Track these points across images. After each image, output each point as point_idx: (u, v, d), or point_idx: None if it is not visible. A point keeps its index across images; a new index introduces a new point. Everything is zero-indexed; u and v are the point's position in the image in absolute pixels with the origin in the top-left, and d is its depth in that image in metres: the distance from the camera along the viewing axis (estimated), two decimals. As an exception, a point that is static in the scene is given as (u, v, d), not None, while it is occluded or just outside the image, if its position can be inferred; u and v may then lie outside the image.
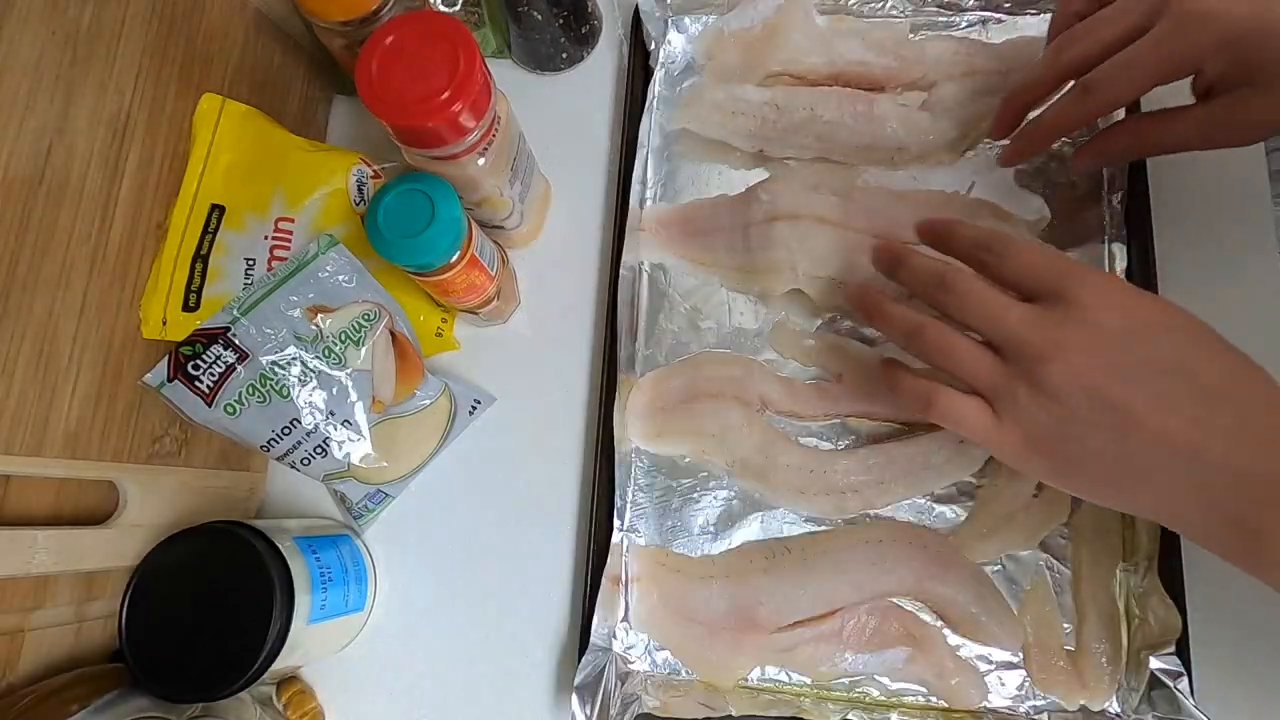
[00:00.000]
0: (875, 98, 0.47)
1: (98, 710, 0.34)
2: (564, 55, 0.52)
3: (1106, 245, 0.45)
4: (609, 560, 0.43)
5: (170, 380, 0.38)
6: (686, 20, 0.52)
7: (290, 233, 0.43)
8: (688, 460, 0.45)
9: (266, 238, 0.43)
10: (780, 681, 0.42)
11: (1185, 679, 0.38)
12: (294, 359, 0.39)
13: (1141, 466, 0.31)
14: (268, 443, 0.40)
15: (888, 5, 0.50)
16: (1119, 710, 0.39)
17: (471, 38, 0.36)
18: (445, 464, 0.48)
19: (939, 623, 0.42)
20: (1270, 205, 0.46)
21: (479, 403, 0.48)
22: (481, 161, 0.40)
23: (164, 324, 0.41)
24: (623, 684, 0.41)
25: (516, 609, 0.45)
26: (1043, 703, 0.40)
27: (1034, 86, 0.40)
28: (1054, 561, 0.42)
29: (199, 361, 0.38)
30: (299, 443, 0.40)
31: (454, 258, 0.40)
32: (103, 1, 0.38)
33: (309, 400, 0.40)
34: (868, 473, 0.43)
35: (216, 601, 0.37)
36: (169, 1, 0.42)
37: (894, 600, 0.42)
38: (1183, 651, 0.38)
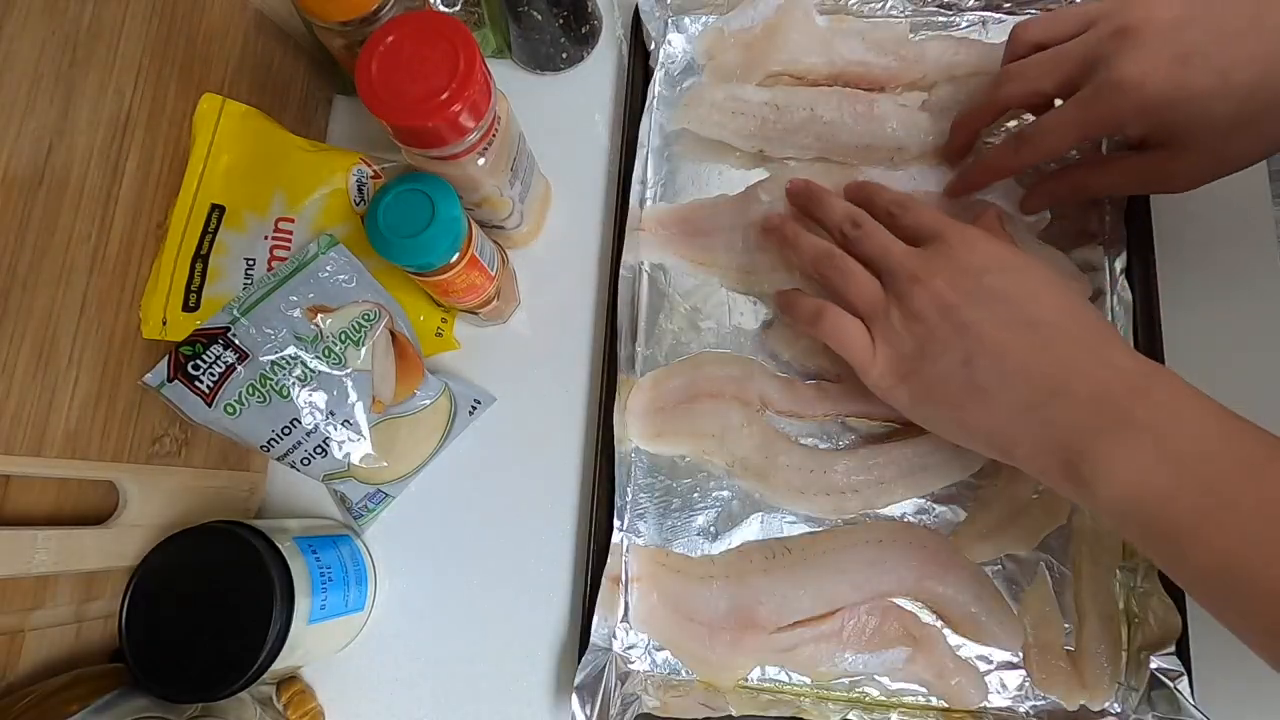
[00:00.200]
0: (875, 98, 0.47)
1: (98, 710, 0.34)
2: (564, 55, 0.52)
3: (1107, 246, 0.45)
4: (609, 560, 0.43)
5: (170, 380, 0.38)
6: (686, 20, 0.52)
7: (290, 233, 0.43)
8: (688, 460, 0.45)
9: (266, 238, 0.43)
10: (780, 681, 0.42)
11: (1185, 679, 0.38)
12: (294, 359, 0.39)
13: (983, 386, 0.35)
14: (268, 443, 0.40)
15: (888, 5, 0.50)
16: (1119, 710, 0.39)
17: (471, 38, 0.36)
18: (445, 464, 0.48)
19: (939, 623, 0.42)
20: (1270, 205, 0.46)
21: (479, 403, 0.48)
22: (481, 161, 0.40)
23: (164, 324, 0.41)
24: (623, 684, 0.41)
25: (516, 608, 0.45)
26: (1043, 703, 0.40)
27: (978, 115, 0.43)
28: (1054, 561, 0.42)
29: (199, 361, 0.38)
30: (299, 443, 0.40)
31: (454, 258, 0.40)
32: (103, 1, 0.38)
33: (309, 400, 0.40)
34: (868, 473, 0.43)
35: (216, 601, 0.37)
36: (169, 1, 0.42)
37: (894, 600, 0.42)
38: (1183, 651, 0.39)
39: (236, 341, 0.39)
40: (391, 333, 0.43)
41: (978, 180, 0.44)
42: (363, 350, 0.41)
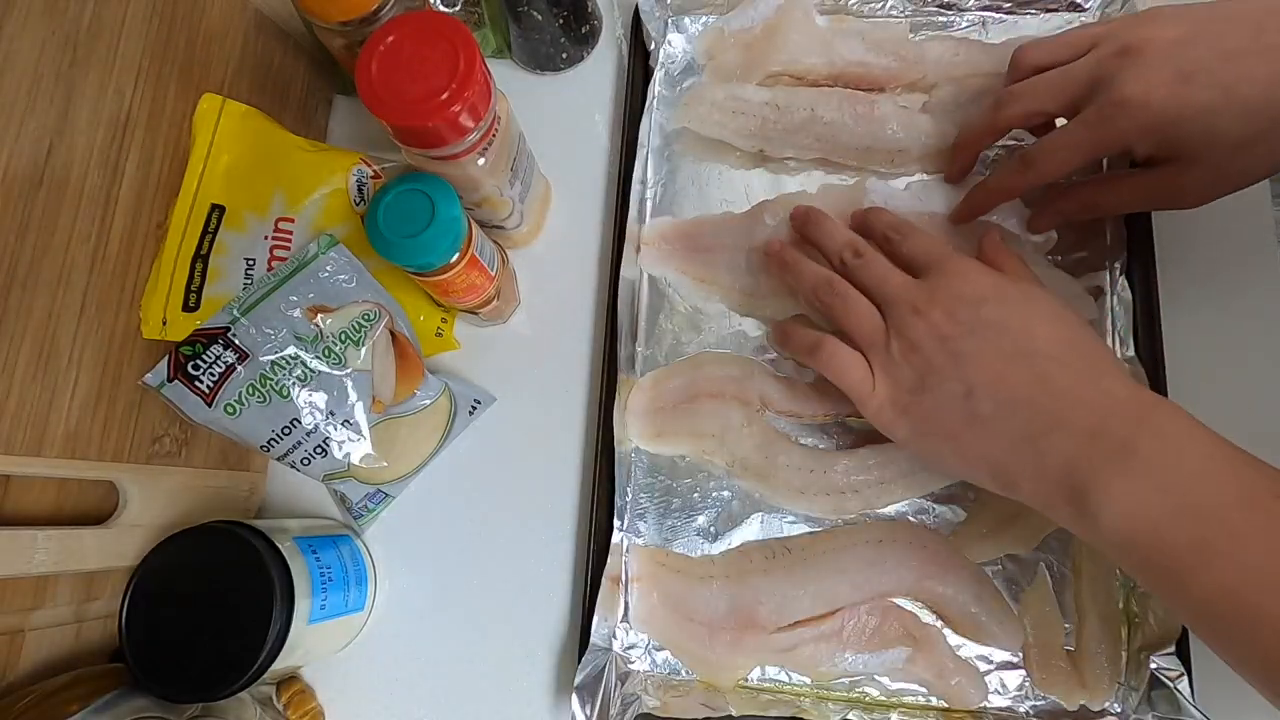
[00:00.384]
0: (876, 99, 0.47)
1: (98, 710, 0.34)
2: (564, 55, 0.52)
3: (1107, 246, 0.45)
4: (609, 560, 0.43)
5: (170, 380, 0.38)
6: (686, 20, 0.52)
7: (290, 233, 0.43)
8: (688, 460, 0.45)
9: (266, 238, 0.43)
10: (780, 681, 0.42)
11: (1185, 679, 0.38)
12: (294, 359, 0.39)
13: (984, 416, 0.35)
14: (268, 443, 0.40)
15: (888, 5, 0.50)
16: (1119, 710, 0.39)
17: (471, 38, 0.36)
18: (445, 464, 0.48)
19: (939, 623, 0.42)
20: (1270, 206, 0.46)
21: (479, 403, 0.48)
22: (481, 161, 0.40)
23: (164, 324, 0.41)
24: (623, 684, 0.41)
25: (516, 609, 0.45)
26: (1043, 703, 0.40)
27: (979, 137, 0.44)
28: (1054, 561, 0.42)
29: (199, 361, 0.38)
30: (299, 443, 0.40)
31: (454, 258, 0.40)
32: (103, 1, 0.38)
33: (309, 400, 0.40)
34: (867, 473, 0.43)
35: (216, 601, 0.37)
36: (169, 1, 0.42)
37: (894, 600, 0.42)
38: (1183, 651, 0.39)
39: (236, 341, 0.39)
40: (391, 333, 0.43)
41: (983, 204, 0.44)
42: (363, 350, 0.41)
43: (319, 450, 0.41)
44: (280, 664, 0.37)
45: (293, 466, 0.42)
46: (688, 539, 0.44)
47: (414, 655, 0.45)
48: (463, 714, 0.44)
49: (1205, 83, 0.35)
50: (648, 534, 0.45)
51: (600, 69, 0.53)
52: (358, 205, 0.44)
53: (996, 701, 0.40)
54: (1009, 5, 0.49)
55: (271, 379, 0.39)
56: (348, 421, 0.42)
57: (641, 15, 0.51)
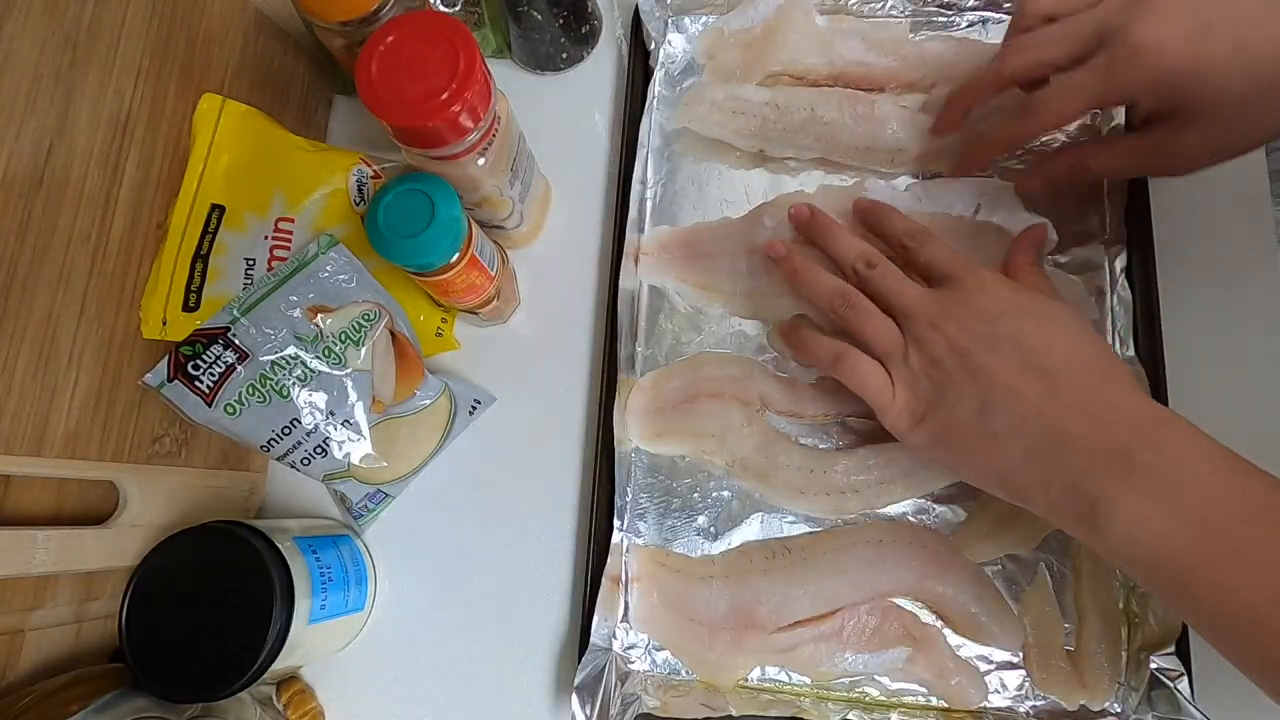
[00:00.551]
0: (876, 98, 0.47)
1: (98, 710, 0.34)
2: (564, 55, 0.52)
3: (1107, 245, 0.45)
4: (609, 560, 0.43)
5: (170, 380, 0.38)
6: (686, 20, 0.52)
7: (290, 233, 0.43)
8: (688, 460, 0.45)
9: (266, 238, 0.43)
10: (780, 681, 0.42)
11: (1185, 679, 0.38)
12: (294, 359, 0.39)
13: (996, 432, 0.35)
14: (268, 443, 0.40)
15: (888, 5, 0.50)
16: (1119, 710, 0.39)
17: (471, 38, 0.36)
18: (445, 464, 0.48)
19: (939, 623, 0.42)
20: (1270, 205, 0.46)
21: (479, 403, 0.48)
22: (481, 161, 0.40)
23: (164, 324, 0.41)
24: (623, 684, 0.41)
25: (516, 609, 0.45)
26: (1043, 703, 0.40)
27: (978, 89, 0.42)
28: (1054, 561, 0.42)
29: (199, 361, 0.38)
30: (299, 443, 0.40)
31: (454, 258, 0.40)
32: (103, 1, 0.38)
33: (309, 400, 0.40)
34: (867, 473, 0.43)
35: (216, 601, 0.37)
36: (169, 1, 0.42)
37: (894, 600, 0.42)
38: (1183, 651, 0.39)
39: (236, 341, 0.39)
40: (391, 333, 0.43)
41: (982, 155, 0.44)
42: (363, 350, 0.41)
43: (319, 450, 0.41)
44: (280, 664, 0.37)
45: (293, 466, 0.42)
46: (688, 539, 0.44)
47: (414, 655, 0.45)
48: (463, 714, 0.44)
49: (1221, 36, 0.34)
50: (648, 534, 0.45)
51: (600, 69, 0.53)
52: (358, 205, 0.44)
53: (996, 701, 0.40)
54: (1009, 5, 0.49)
55: (271, 379, 0.39)
56: (348, 421, 0.42)
57: (641, 15, 0.51)
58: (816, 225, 0.44)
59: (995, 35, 0.49)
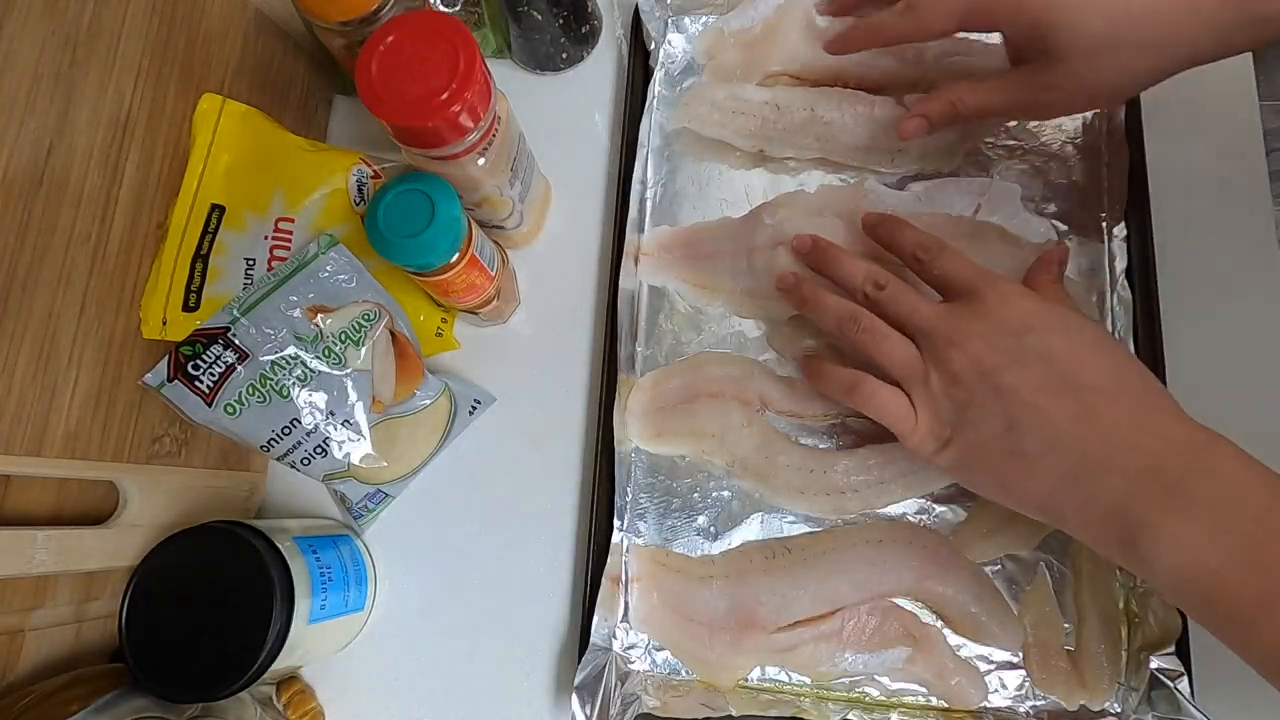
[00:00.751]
0: (876, 99, 0.47)
1: (98, 710, 0.34)
2: (564, 55, 0.52)
3: (1106, 245, 0.45)
4: (609, 560, 0.43)
5: (170, 380, 0.38)
6: (686, 20, 0.52)
7: (290, 233, 0.43)
8: (688, 460, 0.45)
9: (266, 238, 0.43)
10: (780, 681, 0.42)
11: (1185, 679, 0.38)
12: (294, 359, 0.39)
13: (1029, 452, 0.34)
14: (268, 443, 0.40)
15: None
16: (1119, 710, 0.39)
17: (471, 38, 0.36)
18: (445, 464, 0.48)
19: (939, 623, 0.42)
20: (1270, 205, 0.46)
21: (479, 403, 0.48)
22: (481, 161, 0.40)
23: (164, 324, 0.41)
24: (623, 684, 0.41)
25: (516, 609, 0.45)
26: (1043, 703, 0.40)
27: (887, 31, 0.42)
28: (1054, 561, 0.42)
29: (199, 361, 0.38)
30: (299, 443, 0.40)
31: (454, 258, 0.40)
32: (103, 1, 0.38)
33: (309, 400, 0.40)
34: (867, 473, 0.43)
35: (216, 601, 0.37)
36: (169, 1, 0.42)
37: (894, 600, 0.42)
38: (1183, 651, 0.39)
39: (236, 341, 0.39)
40: (391, 333, 0.43)
41: (860, 41, 0.43)
42: (363, 350, 0.41)
43: (319, 450, 0.41)
44: (280, 664, 0.37)
45: (293, 466, 0.42)
46: (688, 539, 0.44)
47: (414, 655, 0.45)
48: (463, 714, 0.44)
49: None
50: (648, 534, 0.45)
51: (600, 69, 0.53)
52: (358, 205, 0.44)
53: (996, 701, 0.40)
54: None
55: (271, 379, 0.39)
56: (348, 421, 0.42)
57: (641, 15, 0.51)
58: (820, 253, 0.42)
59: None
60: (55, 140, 0.36)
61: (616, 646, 0.42)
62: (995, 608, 0.41)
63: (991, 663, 0.41)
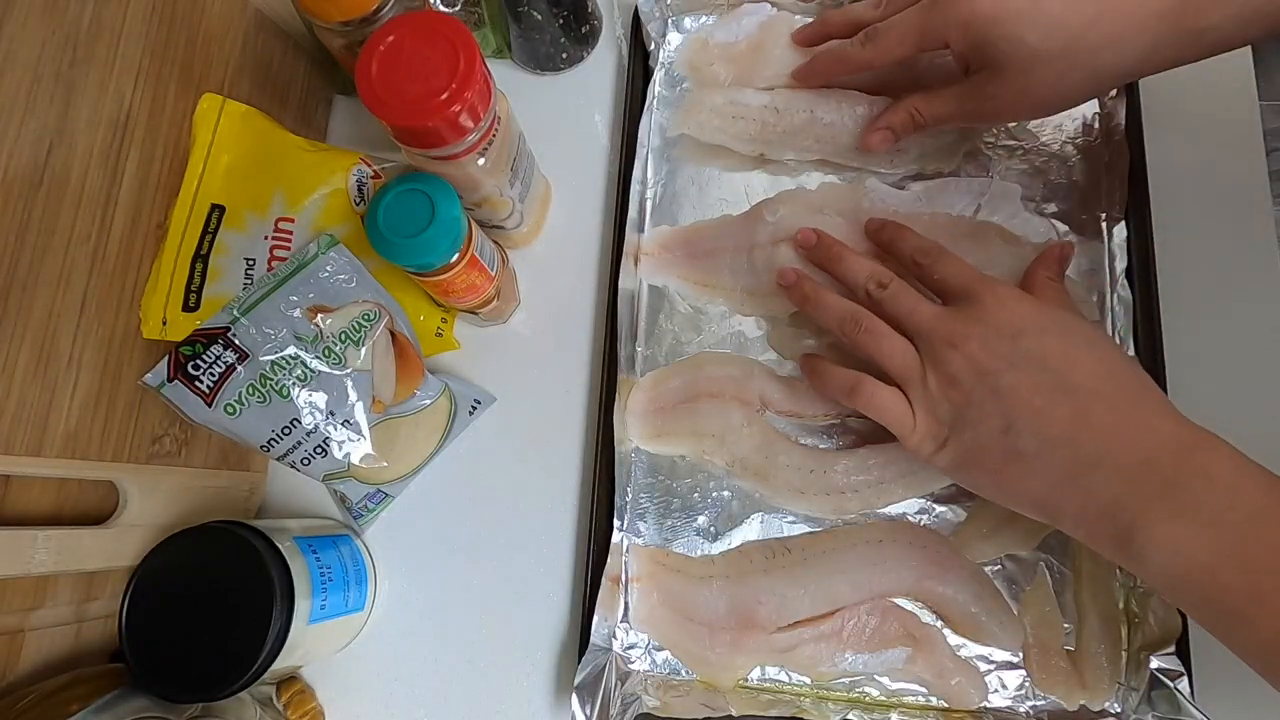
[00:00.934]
0: (875, 100, 0.47)
1: (98, 710, 0.34)
2: (564, 55, 0.52)
3: (1106, 245, 0.45)
4: (609, 560, 0.43)
5: (170, 380, 0.38)
6: (686, 20, 0.52)
7: (290, 233, 0.43)
8: (688, 460, 0.45)
9: (266, 238, 0.43)
10: (780, 681, 0.42)
11: (1185, 679, 0.38)
12: (294, 359, 0.39)
13: (1025, 452, 0.34)
14: (268, 443, 0.40)
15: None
16: (1119, 710, 0.39)
17: (471, 38, 0.36)
18: (445, 464, 0.48)
19: (939, 623, 0.42)
20: (1270, 205, 0.46)
21: (479, 403, 0.48)
22: (481, 161, 0.40)
23: (164, 324, 0.41)
24: (623, 684, 0.41)
25: (516, 609, 0.45)
26: (1043, 703, 0.40)
27: (828, 23, 0.46)
28: (1054, 561, 0.42)
29: (199, 361, 0.38)
30: (299, 443, 0.40)
31: (454, 258, 0.40)
32: (103, 1, 0.38)
33: (309, 400, 0.40)
34: (867, 473, 0.43)
35: (216, 601, 0.37)
36: (169, 1, 0.42)
37: (894, 600, 0.42)
38: (1183, 651, 0.39)
39: (236, 341, 0.39)
40: (391, 333, 0.43)
41: (825, 69, 0.46)
42: (363, 350, 0.41)
43: (319, 450, 0.41)
44: (280, 664, 0.37)
45: (293, 466, 0.42)
46: (688, 539, 0.44)
47: (414, 655, 0.45)
48: (463, 714, 0.44)
49: None
50: (648, 534, 0.45)
51: (600, 69, 0.53)
52: (358, 205, 0.44)
53: (996, 701, 0.40)
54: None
55: (271, 379, 0.39)
56: (348, 421, 0.42)
57: (641, 15, 0.51)
58: (824, 249, 0.43)
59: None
60: (55, 140, 0.36)
61: (616, 646, 0.42)
62: (995, 608, 0.41)
63: (991, 663, 0.41)
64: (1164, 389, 0.42)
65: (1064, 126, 0.47)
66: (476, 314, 0.47)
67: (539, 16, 0.48)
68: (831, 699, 0.41)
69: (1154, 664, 0.38)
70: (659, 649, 0.43)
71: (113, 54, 0.39)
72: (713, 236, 0.47)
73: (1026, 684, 0.40)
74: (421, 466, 0.47)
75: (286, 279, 0.40)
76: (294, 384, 0.40)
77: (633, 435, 0.45)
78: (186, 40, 0.43)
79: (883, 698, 0.41)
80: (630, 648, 0.43)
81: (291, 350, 0.39)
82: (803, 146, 0.48)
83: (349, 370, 0.41)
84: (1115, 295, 0.44)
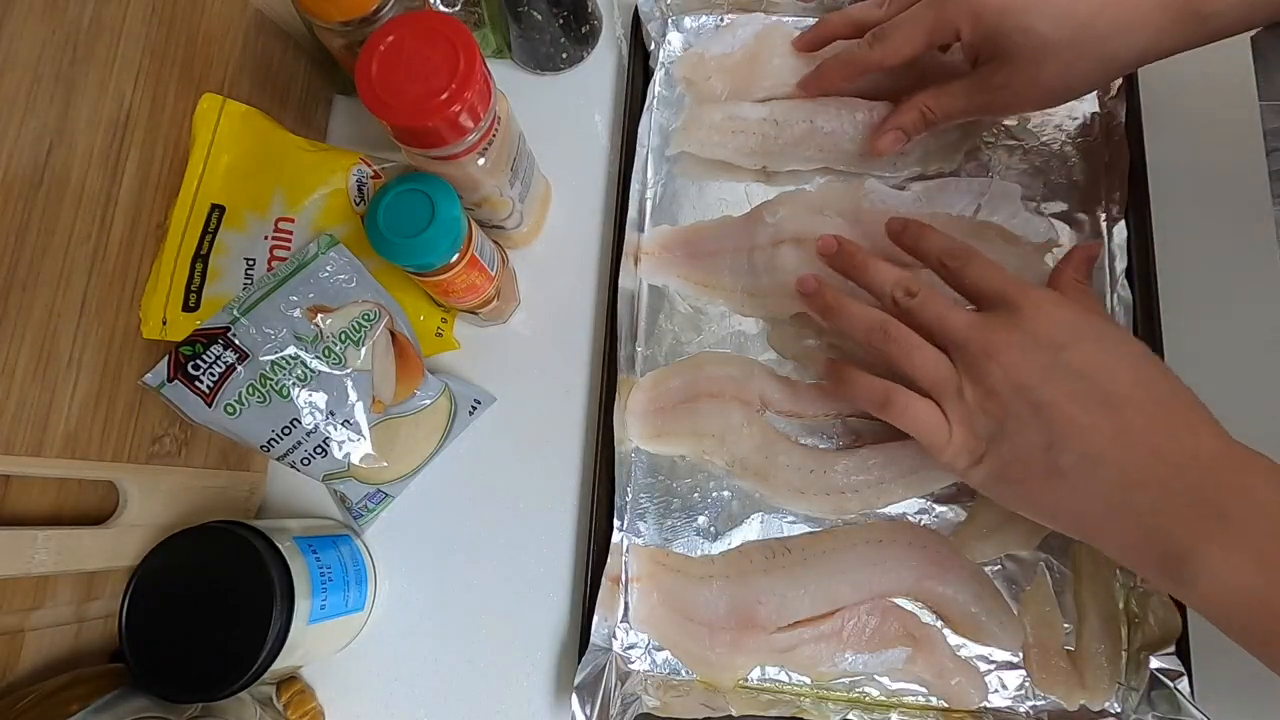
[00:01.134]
0: (874, 105, 0.47)
1: (98, 710, 0.34)
2: (564, 55, 0.52)
3: (1106, 245, 0.45)
4: (609, 560, 0.43)
5: (170, 380, 0.38)
6: (686, 20, 0.52)
7: (290, 233, 0.43)
8: (688, 460, 0.45)
9: (266, 238, 0.43)
10: (780, 681, 0.42)
11: (1185, 679, 0.38)
12: (294, 359, 0.39)
13: (1064, 471, 0.33)
14: (268, 443, 0.40)
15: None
16: (1119, 710, 0.39)
17: (471, 38, 0.36)
18: (445, 464, 0.48)
19: (939, 623, 0.42)
20: (1270, 205, 0.46)
21: (479, 403, 0.48)
22: (481, 161, 0.40)
23: (164, 324, 0.41)
24: (623, 684, 0.41)
25: (516, 609, 0.45)
26: (1043, 703, 0.40)
27: (829, 25, 0.46)
28: (1054, 561, 0.42)
29: (199, 361, 0.38)
30: (299, 443, 0.40)
31: (454, 258, 0.40)
32: (103, 1, 0.38)
33: (309, 400, 0.40)
34: (867, 473, 0.43)
35: (216, 601, 0.37)
36: (169, 1, 0.42)
37: (894, 600, 0.42)
38: (1183, 651, 0.39)
39: (236, 341, 0.39)
40: (391, 333, 0.43)
41: (833, 75, 0.45)
42: (363, 350, 0.41)
43: (319, 450, 0.41)
44: (280, 664, 0.37)
45: (293, 466, 0.42)
46: (688, 539, 0.44)
47: (414, 655, 0.45)
48: (463, 714, 0.44)
49: None
50: (648, 534, 0.45)
51: (600, 69, 0.53)
52: (358, 205, 0.44)
53: (996, 701, 0.40)
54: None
55: (271, 379, 0.39)
56: (348, 421, 0.42)
57: (641, 15, 0.51)
58: (846, 256, 0.41)
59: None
60: (55, 140, 0.36)
61: (616, 646, 0.42)
62: (995, 608, 0.41)
63: (991, 663, 0.41)
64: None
65: (1064, 126, 0.47)
66: (476, 314, 0.47)
67: (539, 16, 0.48)
68: (831, 699, 0.41)
69: (1154, 664, 0.38)
70: (659, 649, 0.43)
71: (113, 54, 0.39)
72: (713, 237, 0.47)
73: (1026, 684, 0.40)
74: (421, 466, 0.47)
75: (286, 279, 0.40)
76: (294, 384, 0.40)
77: (633, 435, 0.45)
78: (186, 40, 0.43)
79: (883, 698, 0.41)
80: (630, 648, 0.43)
81: (291, 350, 0.39)
82: (805, 157, 0.48)
83: (349, 370, 0.41)
84: (1115, 295, 0.44)
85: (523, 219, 0.47)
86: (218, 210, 0.43)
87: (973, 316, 0.37)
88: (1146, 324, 0.43)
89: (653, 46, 0.51)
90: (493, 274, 0.44)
